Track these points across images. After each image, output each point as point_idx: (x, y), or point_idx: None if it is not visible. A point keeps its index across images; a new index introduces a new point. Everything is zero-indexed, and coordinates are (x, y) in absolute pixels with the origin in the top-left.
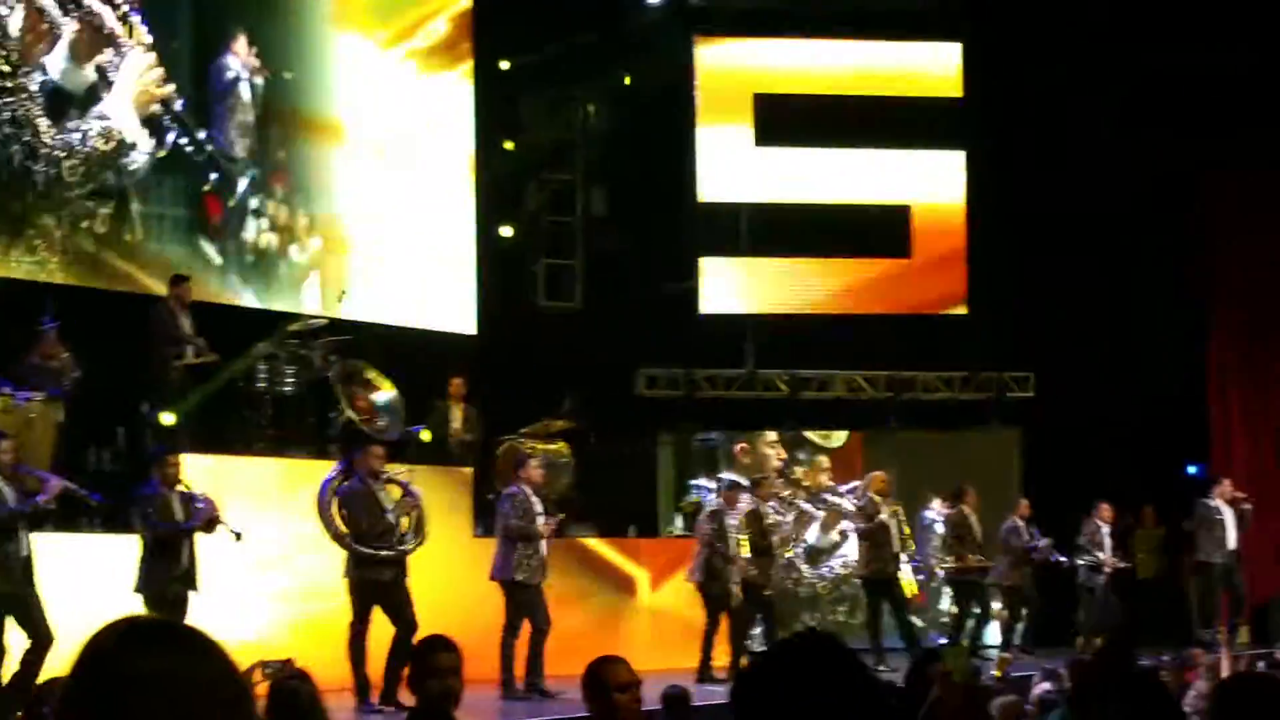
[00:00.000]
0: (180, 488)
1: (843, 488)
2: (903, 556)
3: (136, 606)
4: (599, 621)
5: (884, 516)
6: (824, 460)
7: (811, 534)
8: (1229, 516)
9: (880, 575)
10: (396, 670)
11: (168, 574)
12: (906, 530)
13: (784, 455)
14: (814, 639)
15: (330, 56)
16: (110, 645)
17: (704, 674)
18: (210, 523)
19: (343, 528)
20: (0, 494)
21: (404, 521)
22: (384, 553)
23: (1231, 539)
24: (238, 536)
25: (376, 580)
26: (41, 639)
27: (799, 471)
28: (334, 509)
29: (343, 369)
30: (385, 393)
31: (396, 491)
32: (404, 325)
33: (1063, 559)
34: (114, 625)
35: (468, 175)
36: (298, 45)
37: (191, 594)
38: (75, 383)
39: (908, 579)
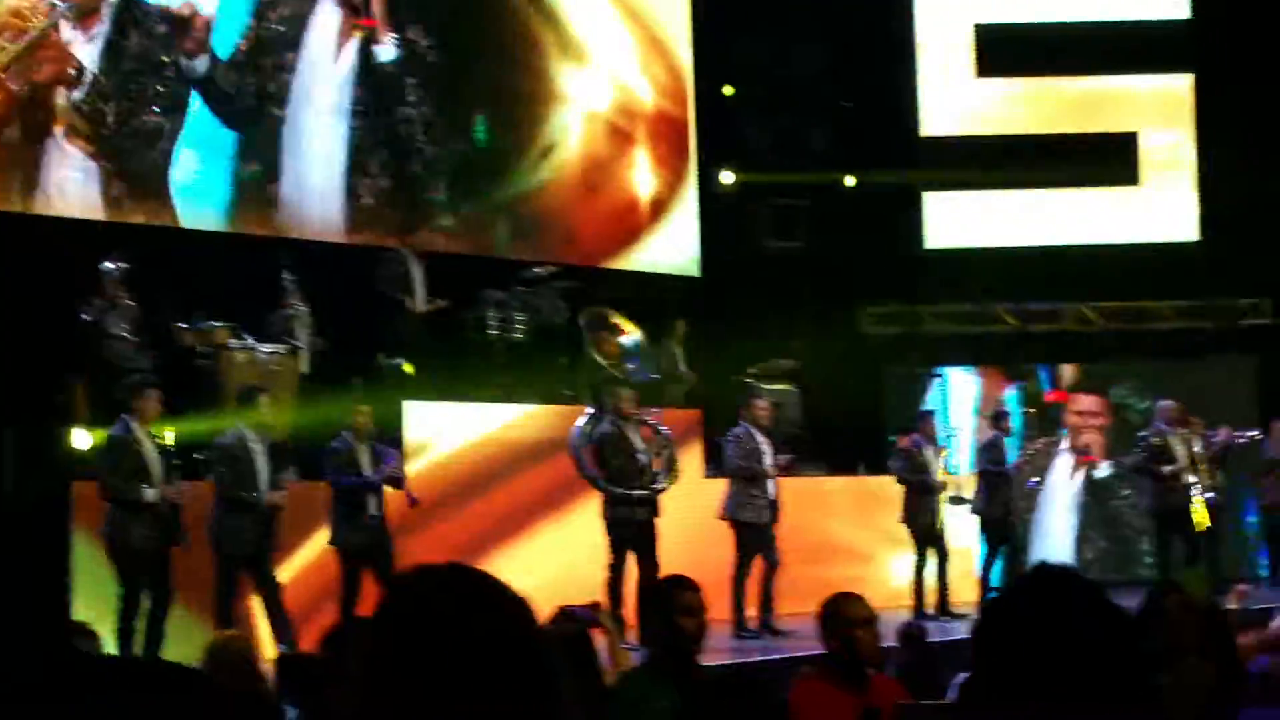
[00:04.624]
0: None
1: None
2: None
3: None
4: (830, 560)
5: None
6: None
7: None
8: None
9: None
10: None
11: (357, 526)
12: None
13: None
14: (1054, 572)
15: None
16: (413, 591)
17: (944, 608)
18: (393, 480)
19: (596, 470)
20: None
21: (656, 461)
22: (638, 492)
23: None
24: (413, 503)
25: (631, 520)
26: None
27: None
28: (587, 452)
29: (590, 314)
30: (631, 335)
31: (647, 432)
32: (627, 268)
33: None
34: (417, 573)
35: (688, 118)
36: None
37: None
38: (317, 333)
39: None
